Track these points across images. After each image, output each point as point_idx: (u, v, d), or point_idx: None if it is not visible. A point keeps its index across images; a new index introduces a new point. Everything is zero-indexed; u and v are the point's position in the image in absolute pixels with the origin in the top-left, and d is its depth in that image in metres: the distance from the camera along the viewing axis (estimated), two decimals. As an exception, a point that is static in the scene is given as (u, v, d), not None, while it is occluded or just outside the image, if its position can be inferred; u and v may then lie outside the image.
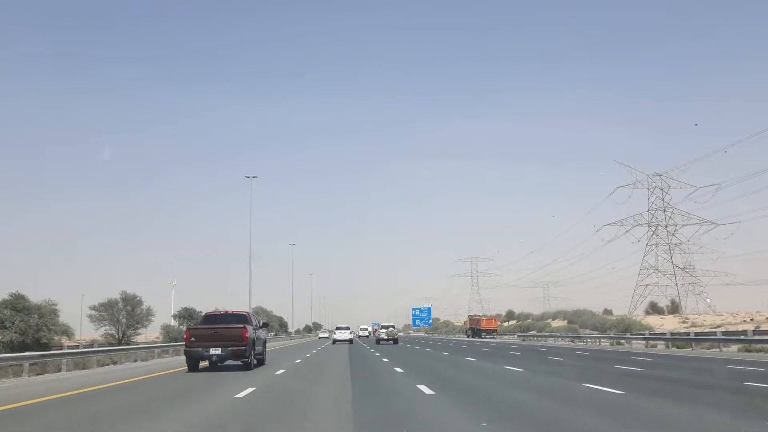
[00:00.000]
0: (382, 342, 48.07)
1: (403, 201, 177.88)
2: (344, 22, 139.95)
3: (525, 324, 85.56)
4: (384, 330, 51.83)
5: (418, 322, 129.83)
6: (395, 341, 47.46)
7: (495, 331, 65.31)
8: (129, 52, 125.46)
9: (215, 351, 18.17)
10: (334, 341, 49.13)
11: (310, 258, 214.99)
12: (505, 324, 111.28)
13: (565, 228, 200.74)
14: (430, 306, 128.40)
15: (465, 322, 72.29)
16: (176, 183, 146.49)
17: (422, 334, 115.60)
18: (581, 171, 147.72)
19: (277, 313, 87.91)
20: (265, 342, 21.18)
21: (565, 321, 77.33)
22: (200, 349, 18.21)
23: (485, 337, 60.59)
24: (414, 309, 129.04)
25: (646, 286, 74.69)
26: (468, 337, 66.12)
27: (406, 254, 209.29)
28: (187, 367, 17.92)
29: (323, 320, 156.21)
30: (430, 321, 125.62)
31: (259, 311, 60.86)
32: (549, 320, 71.95)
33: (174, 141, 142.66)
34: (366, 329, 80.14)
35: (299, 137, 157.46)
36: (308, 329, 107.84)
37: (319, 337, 74.91)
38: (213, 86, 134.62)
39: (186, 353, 18.24)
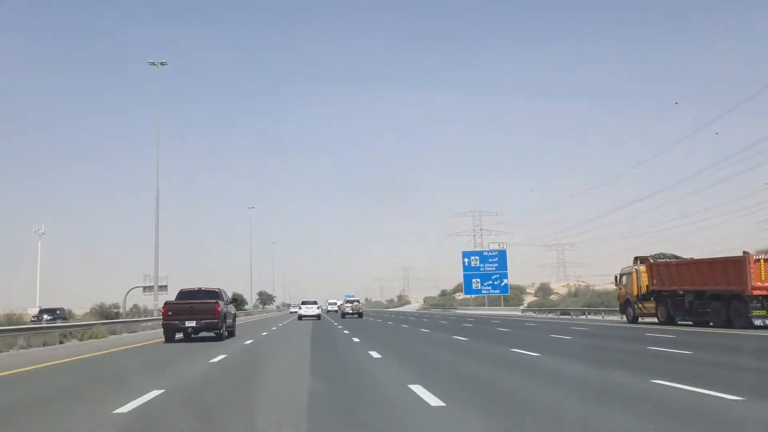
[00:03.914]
0: (347, 316, 56.67)
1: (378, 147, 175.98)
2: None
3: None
4: (349, 305, 60.51)
5: (476, 284, 78.84)
6: (360, 315, 57.28)
7: None
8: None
9: (190, 323, 21.99)
10: (300, 317, 55.15)
11: (273, 225, 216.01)
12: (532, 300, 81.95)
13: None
14: (503, 248, 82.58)
15: (620, 279, 36.63)
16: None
17: (503, 311, 71.47)
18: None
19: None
20: (234, 316, 26.78)
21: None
22: (177, 322, 22.17)
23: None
24: (468, 255, 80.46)
25: None
26: (627, 320, 35.83)
27: (383, 216, 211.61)
28: (164, 338, 22.75)
29: (288, 295, 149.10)
30: (506, 282, 79.19)
31: None
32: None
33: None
34: (335, 303, 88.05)
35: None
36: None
37: (290, 312, 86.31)
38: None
39: (164, 326, 22.80)
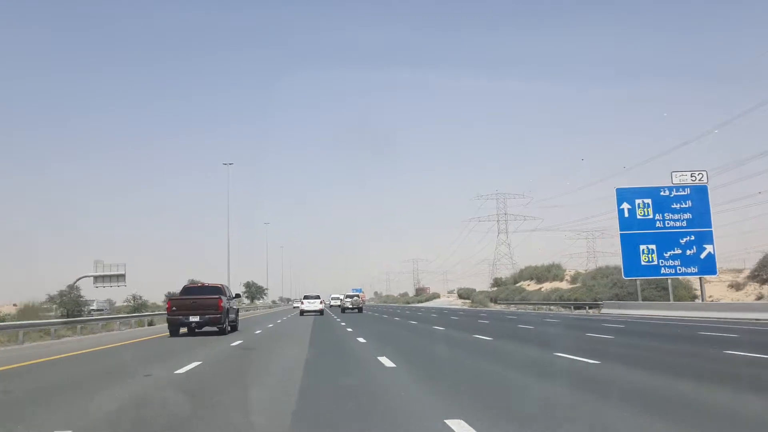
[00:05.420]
0: (347, 311, 59.66)
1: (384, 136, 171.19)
2: None
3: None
4: (349, 299, 63.31)
5: (648, 255, 42.34)
6: (360, 310, 61.36)
7: None
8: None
9: (194, 318, 23.16)
10: (302, 312, 57.49)
11: (273, 218, 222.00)
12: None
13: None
14: (701, 182, 42.77)
15: None
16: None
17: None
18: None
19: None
20: (237, 311, 28.49)
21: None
22: (181, 317, 23.33)
23: None
24: (630, 197, 41.90)
25: None
26: None
27: (389, 206, 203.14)
28: (169, 333, 24.16)
29: (291, 289, 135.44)
30: (708, 250, 40.52)
31: None
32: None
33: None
34: (337, 298, 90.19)
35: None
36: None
37: (293, 306, 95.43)
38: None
39: (168, 321, 24.22)
